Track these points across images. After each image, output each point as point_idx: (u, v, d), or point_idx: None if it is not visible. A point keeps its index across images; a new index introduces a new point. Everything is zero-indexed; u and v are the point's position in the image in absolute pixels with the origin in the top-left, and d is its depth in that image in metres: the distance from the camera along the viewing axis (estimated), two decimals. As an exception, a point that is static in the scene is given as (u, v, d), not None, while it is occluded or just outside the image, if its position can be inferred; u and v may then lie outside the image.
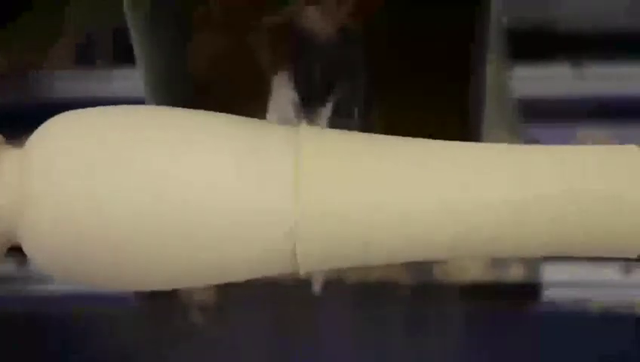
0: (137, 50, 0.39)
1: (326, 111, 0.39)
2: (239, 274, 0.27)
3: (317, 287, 0.43)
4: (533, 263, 0.51)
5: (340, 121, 0.39)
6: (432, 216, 0.26)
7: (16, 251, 0.30)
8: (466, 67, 0.41)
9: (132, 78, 0.45)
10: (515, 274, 0.51)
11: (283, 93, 0.39)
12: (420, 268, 0.51)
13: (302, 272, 0.27)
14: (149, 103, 0.42)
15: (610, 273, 0.52)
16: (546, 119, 0.55)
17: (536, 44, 0.56)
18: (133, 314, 0.53)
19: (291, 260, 0.26)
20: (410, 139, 0.29)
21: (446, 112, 0.41)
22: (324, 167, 0.26)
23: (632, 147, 0.29)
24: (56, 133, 0.27)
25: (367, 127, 0.40)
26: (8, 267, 0.53)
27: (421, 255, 0.28)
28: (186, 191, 0.25)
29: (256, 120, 0.29)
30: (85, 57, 0.59)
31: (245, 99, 0.39)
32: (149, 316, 0.54)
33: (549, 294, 0.52)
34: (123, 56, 0.57)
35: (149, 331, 0.53)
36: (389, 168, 0.27)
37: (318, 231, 0.26)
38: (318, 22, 0.38)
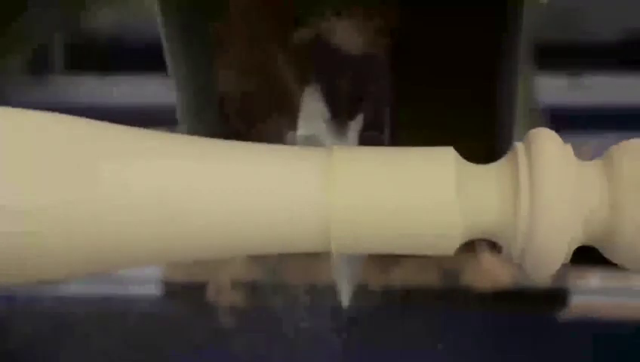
0: (171, 67, 0.40)
1: (355, 125, 0.39)
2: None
3: (345, 301, 0.44)
4: (561, 269, 0.51)
5: (369, 135, 0.40)
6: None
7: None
8: (495, 81, 0.41)
9: (86, 86, 0.46)
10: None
11: (312, 108, 0.39)
12: (447, 273, 0.52)
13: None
14: (180, 118, 0.42)
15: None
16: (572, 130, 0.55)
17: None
18: (160, 315, 0.54)
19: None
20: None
21: (475, 126, 0.41)
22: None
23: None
24: None
25: (395, 140, 0.40)
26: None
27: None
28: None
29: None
30: (39, 66, 0.60)
31: (274, 115, 0.40)
32: (175, 318, 0.54)
33: (576, 301, 0.52)
34: (78, 66, 0.58)
35: (176, 333, 0.54)
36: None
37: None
38: (345, 37, 0.38)
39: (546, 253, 0.28)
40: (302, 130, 0.38)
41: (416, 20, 0.39)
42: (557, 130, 0.59)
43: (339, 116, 0.39)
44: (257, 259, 0.52)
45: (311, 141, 0.38)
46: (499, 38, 0.40)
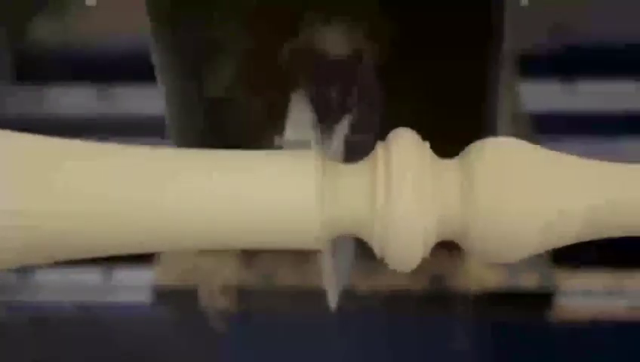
0: (159, 72, 0.40)
1: (342, 129, 0.40)
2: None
3: (333, 304, 0.44)
4: (547, 272, 0.52)
5: (356, 139, 0.40)
6: None
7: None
8: (480, 86, 0.42)
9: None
10: (529, 282, 0.52)
11: (300, 113, 0.40)
12: (435, 278, 0.52)
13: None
14: (169, 123, 0.43)
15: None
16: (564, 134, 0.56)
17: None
18: (152, 320, 0.54)
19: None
20: None
21: (460, 130, 0.41)
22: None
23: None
24: None
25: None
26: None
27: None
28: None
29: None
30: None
31: (262, 120, 0.40)
32: (168, 322, 0.54)
33: (562, 302, 0.52)
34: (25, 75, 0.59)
35: (169, 337, 0.54)
36: None
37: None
38: (333, 43, 0.39)
39: (403, 247, 0.30)
40: (289, 134, 0.39)
41: (403, 27, 0.39)
42: (545, 134, 0.59)
43: (325, 121, 0.39)
44: (249, 265, 0.53)
45: (298, 146, 0.38)
46: (484, 44, 0.40)
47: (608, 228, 0.31)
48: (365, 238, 0.31)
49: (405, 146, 0.30)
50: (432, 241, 0.31)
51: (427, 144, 0.31)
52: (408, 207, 0.29)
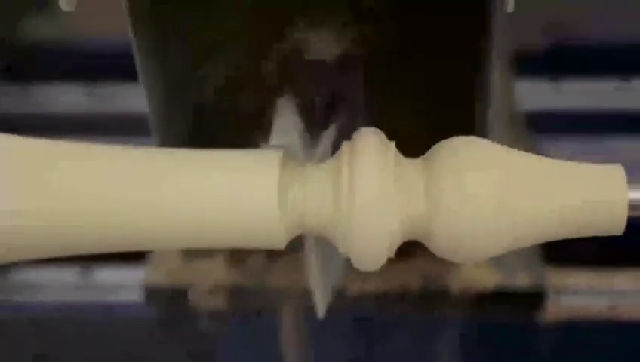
0: (141, 75, 0.40)
1: (329, 133, 0.39)
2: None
3: (321, 314, 0.44)
4: (539, 271, 0.52)
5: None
6: None
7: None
8: (471, 87, 0.41)
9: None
10: (521, 281, 0.51)
11: (287, 118, 0.40)
12: (425, 276, 0.52)
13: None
14: (153, 127, 0.42)
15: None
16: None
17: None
18: (144, 321, 0.54)
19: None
20: None
21: (454, 130, 0.41)
22: None
23: None
24: None
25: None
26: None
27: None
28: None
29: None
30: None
31: (248, 125, 0.40)
32: (159, 323, 0.54)
33: (554, 302, 0.52)
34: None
35: (160, 338, 0.54)
36: None
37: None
38: (319, 48, 0.38)
39: (367, 248, 0.30)
40: (275, 140, 0.39)
41: (392, 31, 0.39)
42: (539, 134, 0.59)
43: (312, 126, 0.39)
44: (240, 264, 0.52)
45: (285, 150, 0.38)
46: (475, 45, 0.40)
47: (573, 227, 0.31)
48: (329, 238, 0.31)
49: (369, 146, 0.30)
50: (397, 241, 0.31)
51: (392, 144, 0.31)
52: (371, 207, 0.29)
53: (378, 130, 0.31)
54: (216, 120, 0.41)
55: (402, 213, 0.30)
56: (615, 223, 0.31)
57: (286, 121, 0.39)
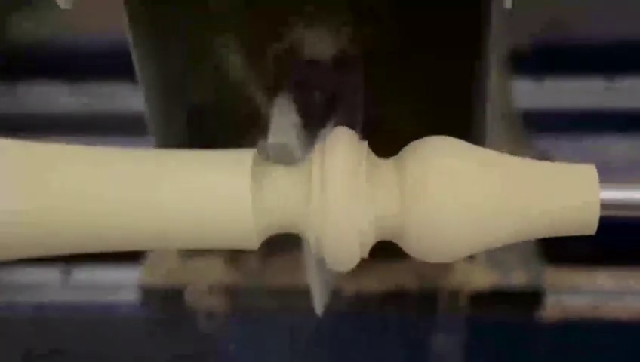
0: (139, 74, 0.40)
1: (327, 131, 0.39)
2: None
3: (319, 311, 0.44)
4: (537, 270, 0.52)
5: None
6: None
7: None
8: (466, 88, 0.41)
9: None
10: (518, 281, 0.52)
11: (284, 116, 0.40)
12: (422, 276, 0.52)
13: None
14: (150, 126, 0.42)
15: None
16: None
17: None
18: (141, 322, 0.54)
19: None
20: None
21: (448, 132, 0.41)
22: None
23: None
24: None
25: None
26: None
27: None
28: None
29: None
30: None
31: (246, 124, 0.40)
32: (156, 323, 0.54)
33: (552, 301, 0.52)
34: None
35: (157, 338, 0.54)
36: None
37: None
38: (317, 46, 0.39)
39: (338, 248, 0.30)
40: (273, 138, 0.39)
41: (390, 28, 0.39)
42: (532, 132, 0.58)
43: (310, 124, 0.39)
44: (238, 264, 0.52)
45: (282, 149, 0.38)
46: (471, 44, 0.40)
47: (545, 227, 0.31)
48: (304, 237, 0.31)
49: (341, 147, 0.31)
50: (369, 241, 0.31)
51: (365, 143, 0.31)
52: (342, 207, 0.30)
53: (350, 130, 0.32)
54: (215, 119, 0.41)
55: (373, 214, 0.30)
56: (588, 223, 0.31)
57: (284, 119, 0.39)
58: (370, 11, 0.38)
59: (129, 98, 0.63)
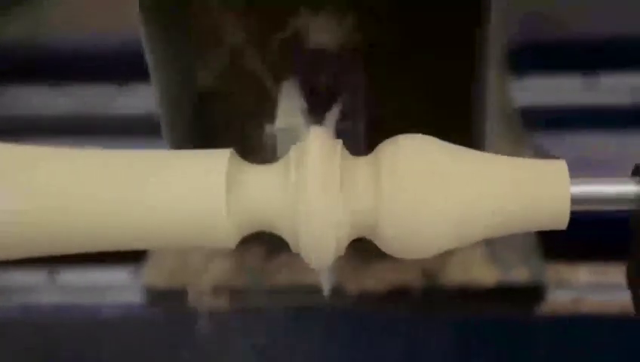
0: (150, 62, 0.41)
1: (332, 116, 0.40)
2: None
3: (327, 292, 0.44)
4: (538, 266, 0.52)
5: (345, 125, 0.40)
6: None
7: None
8: (468, 77, 0.42)
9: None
10: (520, 277, 0.52)
11: (290, 101, 0.40)
12: (424, 272, 0.52)
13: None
14: (161, 115, 0.43)
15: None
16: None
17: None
18: (142, 320, 0.54)
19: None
20: None
21: (447, 120, 0.42)
22: None
23: None
24: None
25: (370, 131, 0.41)
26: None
27: None
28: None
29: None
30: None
31: (252, 109, 0.41)
32: (159, 322, 0.54)
33: (553, 297, 0.52)
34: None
35: (159, 337, 0.54)
36: None
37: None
38: (322, 33, 0.39)
39: (315, 244, 0.30)
40: (279, 122, 0.39)
41: (392, 16, 0.40)
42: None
43: (316, 108, 0.40)
44: (240, 264, 0.52)
45: (289, 133, 0.39)
46: (473, 37, 0.41)
47: (518, 222, 0.31)
48: (281, 235, 0.31)
49: (316, 146, 0.31)
50: (345, 238, 0.31)
51: (339, 142, 0.31)
52: (318, 205, 0.30)
53: (326, 130, 0.32)
54: (221, 105, 0.42)
55: (350, 211, 0.30)
56: (558, 218, 0.31)
57: (290, 104, 0.40)
58: (372, 11, 0.39)
59: (115, 100, 0.63)
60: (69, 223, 0.31)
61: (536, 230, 0.32)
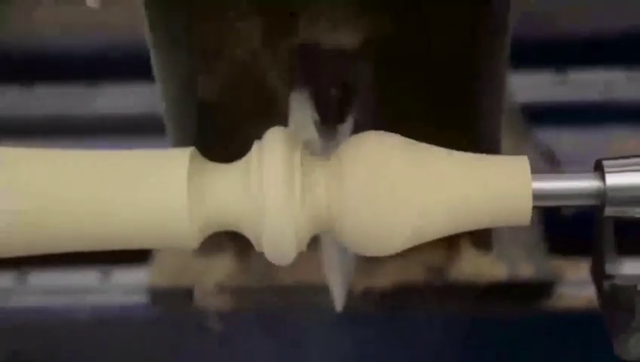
0: (156, 69, 0.40)
1: (346, 128, 0.40)
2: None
3: (339, 307, 0.44)
4: (544, 262, 0.52)
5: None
6: None
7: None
8: (478, 81, 0.42)
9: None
10: (526, 272, 0.52)
11: (301, 112, 0.40)
12: (430, 269, 0.52)
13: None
14: (167, 122, 0.42)
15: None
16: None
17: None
18: (150, 321, 0.54)
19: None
20: None
21: (460, 128, 0.41)
22: None
23: None
24: None
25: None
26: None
27: None
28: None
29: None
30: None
31: (261, 119, 0.40)
32: (165, 322, 0.54)
33: (560, 292, 0.53)
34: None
35: (166, 337, 0.54)
36: None
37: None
38: (333, 42, 0.39)
39: (275, 242, 0.31)
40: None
41: (403, 24, 0.39)
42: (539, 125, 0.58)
43: (328, 120, 0.39)
44: (245, 263, 0.52)
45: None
46: (482, 39, 0.40)
47: (481, 218, 0.31)
48: (244, 234, 0.32)
49: (276, 145, 0.31)
50: (305, 235, 0.31)
51: (300, 141, 0.32)
52: (277, 202, 0.30)
53: (286, 129, 0.32)
54: (230, 114, 0.41)
55: (309, 208, 0.31)
56: (521, 214, 0.31)
57: (302, 115, 0.39)
58: (383, 6, 0.38)
59: (94, 100, 0.63)
60: (48, 224, 0.31)
61: (500, 226, 0.33)
